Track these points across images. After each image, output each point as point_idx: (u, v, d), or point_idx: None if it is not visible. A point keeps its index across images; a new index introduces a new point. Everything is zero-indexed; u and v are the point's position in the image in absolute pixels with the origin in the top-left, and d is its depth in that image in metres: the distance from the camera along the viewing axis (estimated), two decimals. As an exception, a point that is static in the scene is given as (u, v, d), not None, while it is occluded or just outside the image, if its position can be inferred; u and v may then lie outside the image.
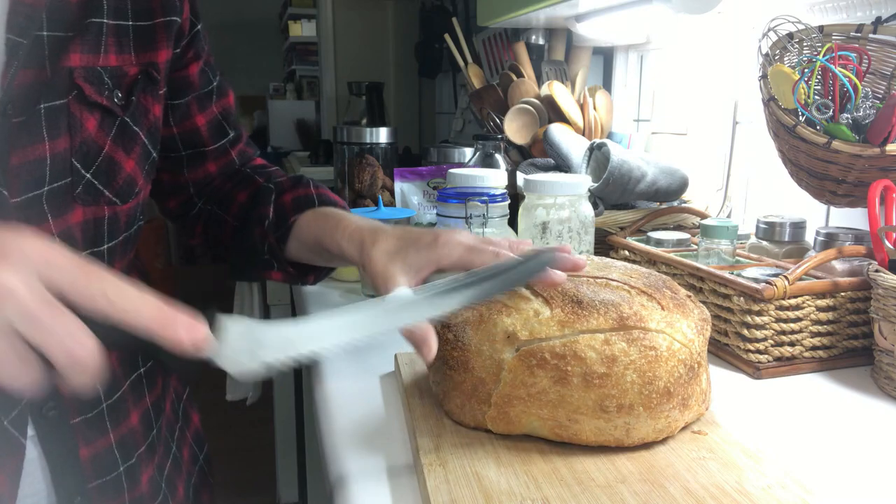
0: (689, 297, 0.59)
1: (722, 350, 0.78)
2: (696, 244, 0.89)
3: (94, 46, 0.59)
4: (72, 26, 0.57)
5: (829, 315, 0.74)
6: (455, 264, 0.59)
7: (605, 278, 0.57)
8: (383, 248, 0.62)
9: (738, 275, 0.77)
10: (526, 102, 1.36)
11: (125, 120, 0.62)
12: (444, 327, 0.58)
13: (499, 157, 1.33)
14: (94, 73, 0.59)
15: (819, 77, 0.82)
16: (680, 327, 0.54)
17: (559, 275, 0.55)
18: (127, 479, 0.65)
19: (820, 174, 0.81)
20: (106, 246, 0.63)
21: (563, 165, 1.19)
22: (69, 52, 0.57)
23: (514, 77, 1.45)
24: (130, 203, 0.65)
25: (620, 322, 0.53)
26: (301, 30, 4.25)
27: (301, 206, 0.75)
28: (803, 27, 0.87)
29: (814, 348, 0.75)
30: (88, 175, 0.59)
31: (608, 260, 0.64)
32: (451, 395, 0.58)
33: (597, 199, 1.07)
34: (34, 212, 0.55)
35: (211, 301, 0.53)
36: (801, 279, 0.72)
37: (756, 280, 0.74)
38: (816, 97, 0.81)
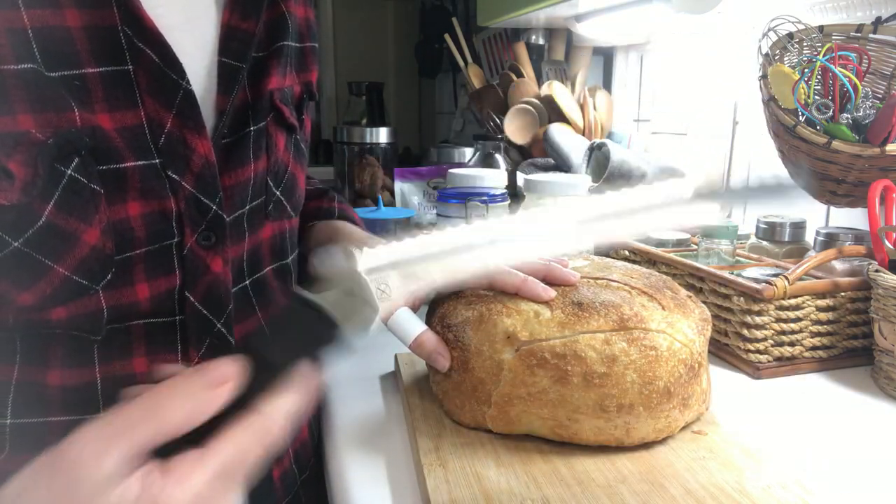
0: (690, 297, 0.59)
1: (722, 350, 0.78)
2: (696, 244, 0.89)
3: (282, 69, 0.60)
4: (264, 49, 0.58)
5: (829, 315, 0.74)
6: (449, 284, 0.60)
7: (606, 279, 0.57)
8: None
9: (738, 275, 0.77)
10: (526, 102, 1.36)
11: (297, 137, 0.65)
12: (444, 328, 0.58)
13: (499, 157, 1.33)
14: (284, 94, 0.61)
15: (819, 77, 0.82)
16: (681, 327, 0.54)
17: (548, 290, 0.55)
18: (304, 491, 0.68)
19: (820, 174, 0.81)
20: (290, 258, 0.66)
21: (563, 165, 1.19)
22: (269, 75, 0.58)
23: (514, 77, 1.45)
24: (297, 216, 0.68)
25: (621, 323, 0.53)
26: (301, 30, 4.24)
27: (320, 215, 0.79)
28: (803, 27, 0.87)
29: (814, 348, 0.75)
30: (278, 193, 0.62)
31: (608, 260, 0.64)
32: (450, 395, 0.58)
33: (597, 199, 1.07)
34: (237, 230, 0.56)
35: None
36: (801, 279, 0.72)
37: (756, 280, 0.74)
38: (816, 97, 0.81)
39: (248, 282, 0.60)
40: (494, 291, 0.57)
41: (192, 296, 0.53)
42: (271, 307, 0.63)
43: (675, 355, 0.53)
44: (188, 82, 0.50)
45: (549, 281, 0.57)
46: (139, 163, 0.49)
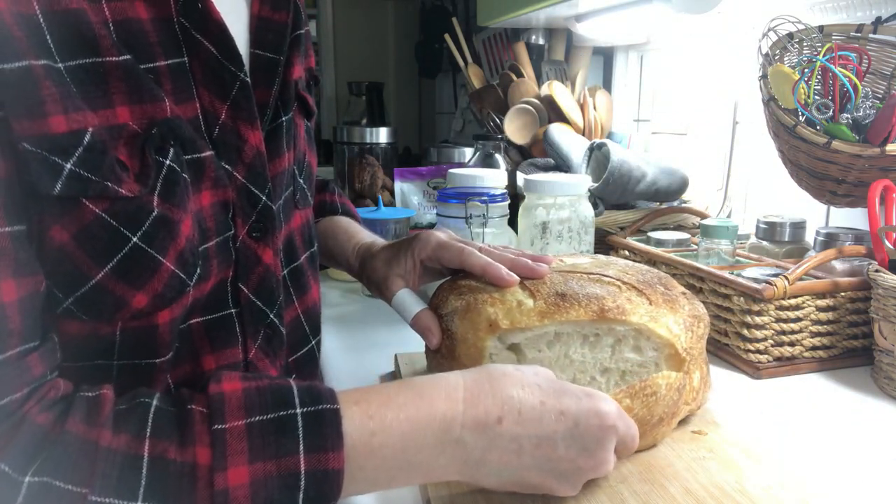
0: (685, 293, 0.59)
1: (722, 350, 0.78)
2: (696, 244, 0.89)
3: (301, 58, 0.60)
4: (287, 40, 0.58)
5: (829, 315, 0.74)
6: (430, 257, 0.64)
7: (600, 274, 0.57)
8: (381, 257, 0.68)
9: (738, 275, 0.76)
10: (526, 102, 1.36)
11: (308, 125, 0.65)
12: (438, 317, 0.59)
13: (499, 157, 1.33)
14: (303, 83, 0.61)
15: (819, 77, 0.82)
16: (665, 322, 0.54)
17: (512, 276, 0.57)
18: None
19: (820, 174, 0.81)
20: (315, 247, 0.67)
21: (563, 165, 1.19)
22: (293, 65, 0.58)
23: (514, 77, 1.45)
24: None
25: (601, 314, 0.53)
26: (301, 30, 4.24)
27: (323, 211, 0.81)
28: (803, 27, 0.87)
29: (814, 348, 0.75)
30: (301, 181, 0.62)
31: (613, 259, 0.64)
32: None
33: (597, 199, 1.07)
34: (277, 221, 0.56)
35: None
36: (801, 279, 0.72)
37: (756, 280, 0.74)
38: (816, 97, 0.81)
39: (286, 271, 0.60)
40: (484, 283, 0.58)
41: (246, 287, 0.53)
42: (307, 297, 0.63)
43: (672, 387, 0.54)
44: (245, 74, 0.51)
45: (515, 271, 0.58)
46: (211, 153, 0.49)
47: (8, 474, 0.37)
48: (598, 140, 1.15)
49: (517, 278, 0.57)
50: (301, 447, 0.41)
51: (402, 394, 0.45)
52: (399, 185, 1.30)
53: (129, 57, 0.44)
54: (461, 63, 1.61)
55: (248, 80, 0.51)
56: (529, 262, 0.59)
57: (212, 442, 0.40)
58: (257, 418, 0.41)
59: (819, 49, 0.85)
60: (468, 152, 1.60)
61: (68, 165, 0.41)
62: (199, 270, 0.48)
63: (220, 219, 0.51)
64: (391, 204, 1.30)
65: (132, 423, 0.40)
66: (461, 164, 1.53)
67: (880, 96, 0.86)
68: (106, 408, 0.40)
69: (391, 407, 0.44)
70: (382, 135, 1.61)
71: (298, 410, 0.42)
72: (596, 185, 1.05)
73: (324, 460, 0.41)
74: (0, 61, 0.38)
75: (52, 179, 0.40)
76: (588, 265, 0.61)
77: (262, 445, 0.40)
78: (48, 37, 0.40)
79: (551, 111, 1.34)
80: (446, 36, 1.62)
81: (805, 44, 0.88)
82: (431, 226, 1.19)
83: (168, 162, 0.46)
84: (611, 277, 0.57)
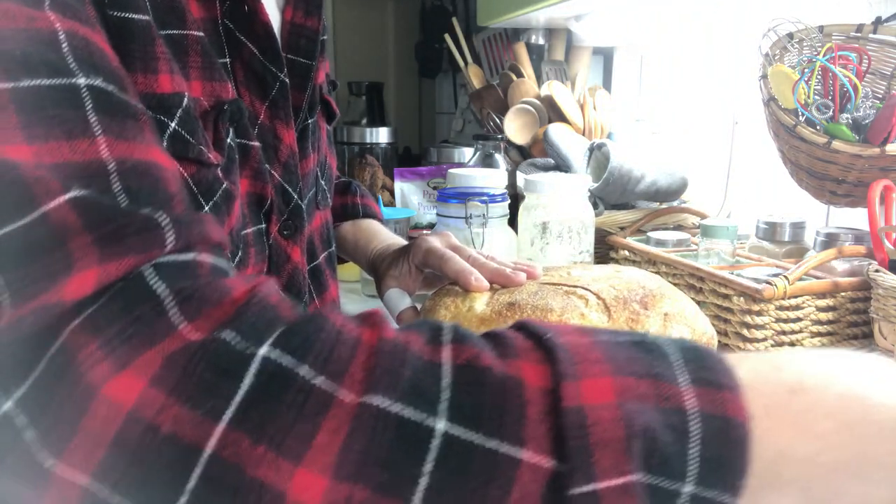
0: (668, 315, 0.56)
1: (722, 350, 0.77)
2: (696, 244, 0.89)
3: (322, 63, 0.62)
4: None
5: (829, 315, 0.74)
6: (421, 263, 0.65)
7: (577, 286, 0.56)
8: (387, 260, 0.71)
9: (738, 275, 0.76)
10: (526, 102, 1.36)
11: (329, 127, 0.67)
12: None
13: (499, 157, 1.33)
14: (325, 87, 0.63)
15: (819, 77, 0.82)
16: None
17: (480, 282, 0.58)
18: None
19: (820, 174, 0.81)
20: (333, 247, 0.68)
21: (563, 165, 1.19)
22: (318, 69, 0.59)
23: (514, 77, 1.45)
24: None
25: None
26: (301, 30, 4.23)
27: (347, 214, 0.83)
28: (803, 27, 0.87)
29: (814, 349, 0.75)
30: (322, 182, 0.64)
31: (626, 271, 0.61)
32: None
33: (597, 199, 1.07)
34: (305, 220, 0.57)
35: None
36: (801, 279, 0.72)
37: (756, 280, 0.74)
38: (816, 97, 0.81)
39: (305, 270, 0.61)
40: (460, 287, 0.59)
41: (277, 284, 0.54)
42: (326, 295, 0.65)
43: None
44: (286, 75, 0.52)
45: (492, 279, 0.59)
46: (258, 144, 0.50)
47: (231, 346, 0.26)
48: (598, 140, 1.15)
49: (486, 285, 0.58)
50: (681, 376, 0.27)
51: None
52: (399, 185, 1.30)
53: (203, 34, 0.45)
54: (461, 63, 1.61)
55: (287, 81, 0.52)
56: (507, 270, 0.59)
57: (547, 354, 0.27)
58: (604, 337, 0.29)
59: (819, 49, 0.85)
60: (468, 152, 1.60)
61: (172, 125, 0.41)
62: (239, 253, 0.49)
63: (253, 210, 0.51)
64: (391, 204, 1.30)
65: (419, 331, 0.30)
66: (461, 164, 1.53)
67: (880, 96, 0.86)
68: (374, 316, 0.31)
69: (797, 360, 0.29)
70: (382, 135, 1.61)
71: (658, 340, 0.29)
72: (596, 185, 1.05)
73: (719, 401, 0.26)
74: (127, 10, 0.38)
75: (160, 138, 0.40)
76: (585, 277, 0.58)
77: (628, 359, 0.27)
78: (147, 2, 0.41)
79: (551, 111, 1.34)
80: (446, 36, 1.62)
81: (805, 44, 0.88)
82: (431, 226, 1.19)
83: (229, 140, 0.47)
84: (587, 290, 0.55)
